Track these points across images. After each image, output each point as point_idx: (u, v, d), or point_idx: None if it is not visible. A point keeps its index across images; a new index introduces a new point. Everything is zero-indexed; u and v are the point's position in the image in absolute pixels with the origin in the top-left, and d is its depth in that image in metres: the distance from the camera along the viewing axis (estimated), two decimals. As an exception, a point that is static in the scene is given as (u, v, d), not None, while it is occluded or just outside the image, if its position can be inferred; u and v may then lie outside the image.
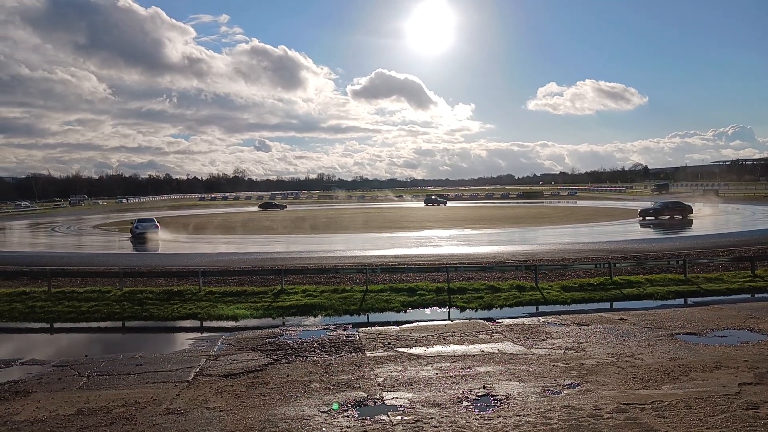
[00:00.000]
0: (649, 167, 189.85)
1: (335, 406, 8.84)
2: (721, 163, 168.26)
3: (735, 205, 64.27)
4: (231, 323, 15.60)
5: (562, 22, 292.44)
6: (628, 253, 25.10)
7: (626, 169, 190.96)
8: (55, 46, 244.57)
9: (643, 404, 8.24)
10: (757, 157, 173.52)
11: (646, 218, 45.91)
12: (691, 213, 46.76)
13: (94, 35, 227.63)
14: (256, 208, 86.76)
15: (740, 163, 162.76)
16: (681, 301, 17.20)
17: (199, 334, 14.58)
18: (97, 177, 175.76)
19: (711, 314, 14.66)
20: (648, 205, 51.20)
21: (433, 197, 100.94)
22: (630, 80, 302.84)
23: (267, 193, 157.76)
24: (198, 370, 10.99)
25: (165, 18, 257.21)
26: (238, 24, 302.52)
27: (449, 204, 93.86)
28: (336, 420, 8.12)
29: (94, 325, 16.09)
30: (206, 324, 15.73)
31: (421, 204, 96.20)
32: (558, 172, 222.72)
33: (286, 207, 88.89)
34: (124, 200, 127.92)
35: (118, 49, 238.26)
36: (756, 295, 17.61)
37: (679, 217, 45.89)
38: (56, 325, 16.21)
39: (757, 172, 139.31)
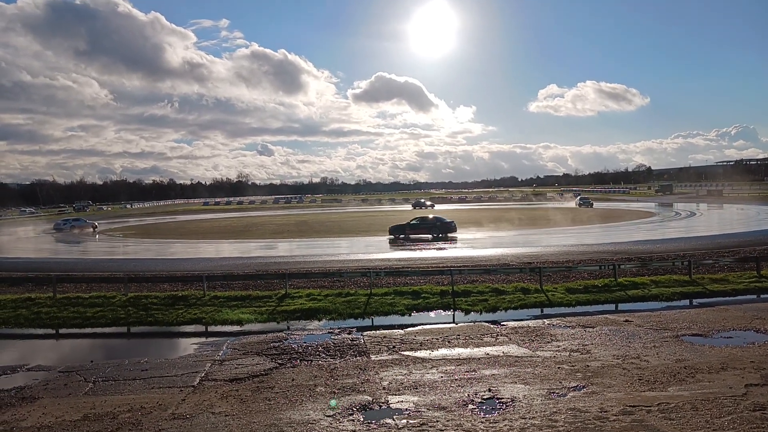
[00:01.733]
0: (653, 168, 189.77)
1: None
2: (725, 164, 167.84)
3: (739, 205, 64.12)
4: (236, 328, 15.62)
5: (562, 24, 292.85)
6: (632, 255, 25.03)
7: (630, 170, 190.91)
8: (55, 53, 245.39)
9: (650, 406, 8.22)
10: (760, 156, 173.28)
11: (399, 236, 37.42)
12: (453, 231, 37.65)
13: (94, 41, 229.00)
14: (409, 207, 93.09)
15: (744, 163, 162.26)
16: (686, 302, 17.15)
17: (204, 339, 14.61)
18: (101, 183, 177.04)
19: (717, 315, 14.61)
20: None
21: (582, 196, 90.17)
22: (631, 81, 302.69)
23: (270, 197, 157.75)
24: (203, 374, 11.01)
25: (165, 23, 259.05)
26: (238, 28, 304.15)
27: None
28: (341, 424, 8.13)
29: (99, 330, 16.14)
30: (211, 329, 15.75)
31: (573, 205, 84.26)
32: (561, 174, 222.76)
33: (434, 206, 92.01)
34: (128, 206, 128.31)
35: (119, 55, 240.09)
36: (762, 296, 17.55)
37: (427, 236, 37.13)
38: (62, 330, 16.26)
39: (761, 172, 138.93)
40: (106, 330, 16.15)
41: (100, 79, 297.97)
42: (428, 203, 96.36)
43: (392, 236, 37.90)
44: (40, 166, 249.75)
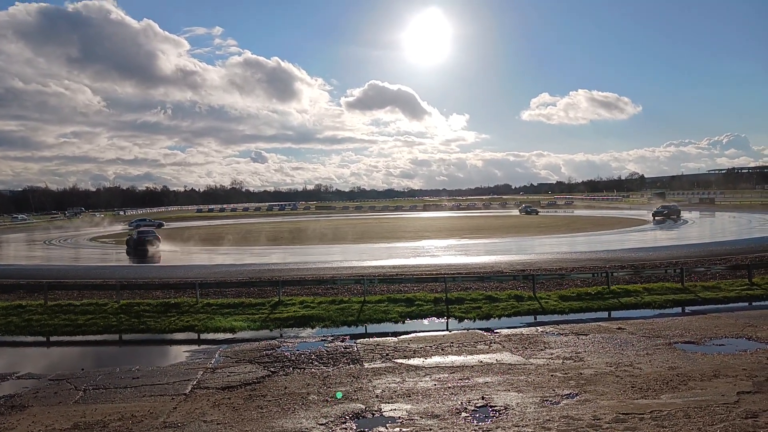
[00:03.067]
0: (646, 176, 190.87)
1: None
2: (717, 172, 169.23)
3: (732, 213, 64.54)
4: (228, 335, 15.55)
5: (553, 33, 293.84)
6: (625, 262, 25.11)
7: (623, 178, 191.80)
8: (48, 60, 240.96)
9: (642, 414, 8.22)
10: (752, 165, 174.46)
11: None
12: (143, 246, 38.84)
13: (86, 48, 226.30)
14: (518, 213, 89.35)
15: (736, 171, 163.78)
16: (679, 309, 17.21)
17: (196, 347, 14.53)
18: (94, 189, 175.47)
19: (709, 323, 14.67)
20: None
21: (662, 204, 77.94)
22: (623, 89, 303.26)
23: (264, 204, 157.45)
24: (195, 382, 10.94)
25: (158, 30, 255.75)
26: (232, 36, 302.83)
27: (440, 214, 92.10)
28: (334, 432, 8.09)
29: (90, 338, 16.03)
30: (203, 336, 15.67)
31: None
32: (555, 182, 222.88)
33: (538, 212, 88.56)
34: (122, 212, 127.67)
35: (112, 62, 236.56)
36: (753, 303, 17.64)
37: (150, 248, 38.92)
38: (53, 338, 16.14)
39: (752, 181, 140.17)
40: (98, 337, 16.04)
41: (93, 86, 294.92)
42: (535, 209, 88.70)
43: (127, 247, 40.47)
44: (33, 173, 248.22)
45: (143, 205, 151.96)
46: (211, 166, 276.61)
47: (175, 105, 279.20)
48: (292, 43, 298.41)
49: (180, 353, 13.83)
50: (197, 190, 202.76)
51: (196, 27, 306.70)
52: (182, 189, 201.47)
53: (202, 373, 11.64)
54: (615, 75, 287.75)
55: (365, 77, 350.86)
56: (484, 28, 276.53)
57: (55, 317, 17.42)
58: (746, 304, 17.65)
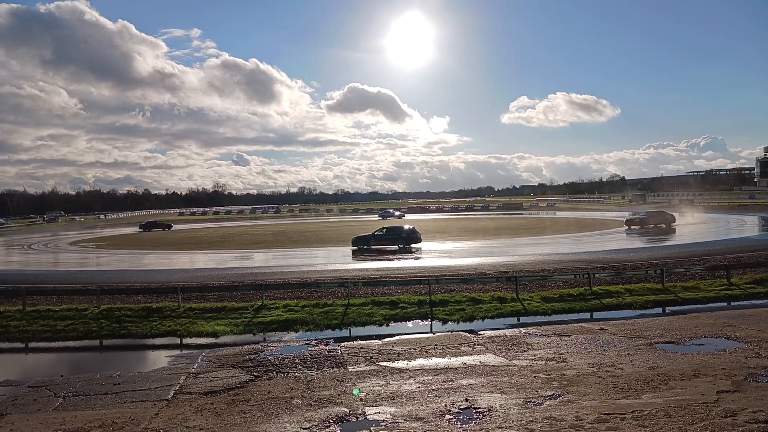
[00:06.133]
0: (626, 178, 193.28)
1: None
2: (695, 174, 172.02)
3: (710, 214, 65.53)
4: (211, 340, 15.44)
5: (532, 36, 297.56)
6: (606, 263, 25.36)
7: (604, 179, 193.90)
8: (21, 62, 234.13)
9: (624, 414, 8.30)
10: (729, 167, 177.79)
11: None
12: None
13: (60, 50, 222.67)
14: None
15: (714, 173, 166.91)
16: (659, 310, 17.42)
17: (178, 352, 14.40)
18: (73, 193, 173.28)
19: (688, 323, 14.86)
20: None
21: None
22: (601, 92, 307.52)
23: (247, 207, 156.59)
24: (178, 388, 10.84)
25: (134, 32, 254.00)
26: (210, 38, 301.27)
27: (433, 216, 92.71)
28: (318, 436, 8.06)
29: (70, 344, 15.81)
30: (186, 341, 15.53)
31: None
32: (537, 184, 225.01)
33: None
34: (102, 216, 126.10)
35: (87, 64, 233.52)
36: (732, 303, 17.92)
37: None
38: (31, 344, 15.88)
39: (730, 182, 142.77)
40: (78, 343, 15.83)
41: (69, 88, 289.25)
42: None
43: None
44: (10, 176, 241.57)
45: (125, 208, 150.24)
46: (192, 168, 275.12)
47: (153, 107, 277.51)
48: (271, 45, 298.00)
49: (162, 358, 13.69)
50: (179, 193, 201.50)
51: (173, 29, 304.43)
52: (164, 192, 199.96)
53: (184, 378, 11.54)
54: (593, 77, 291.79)
55: (345, 79, 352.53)
56: (464, 32, 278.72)
57: (33, 323, 17.15)
58: (725, 304, 17.93)
